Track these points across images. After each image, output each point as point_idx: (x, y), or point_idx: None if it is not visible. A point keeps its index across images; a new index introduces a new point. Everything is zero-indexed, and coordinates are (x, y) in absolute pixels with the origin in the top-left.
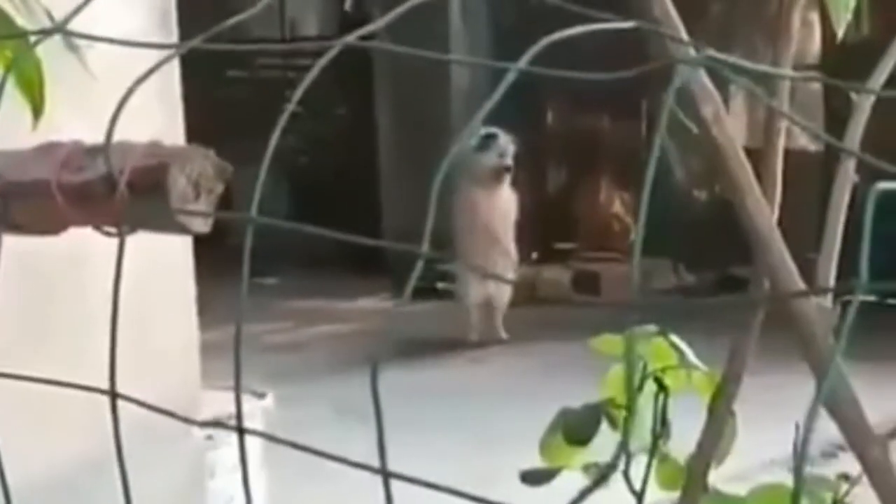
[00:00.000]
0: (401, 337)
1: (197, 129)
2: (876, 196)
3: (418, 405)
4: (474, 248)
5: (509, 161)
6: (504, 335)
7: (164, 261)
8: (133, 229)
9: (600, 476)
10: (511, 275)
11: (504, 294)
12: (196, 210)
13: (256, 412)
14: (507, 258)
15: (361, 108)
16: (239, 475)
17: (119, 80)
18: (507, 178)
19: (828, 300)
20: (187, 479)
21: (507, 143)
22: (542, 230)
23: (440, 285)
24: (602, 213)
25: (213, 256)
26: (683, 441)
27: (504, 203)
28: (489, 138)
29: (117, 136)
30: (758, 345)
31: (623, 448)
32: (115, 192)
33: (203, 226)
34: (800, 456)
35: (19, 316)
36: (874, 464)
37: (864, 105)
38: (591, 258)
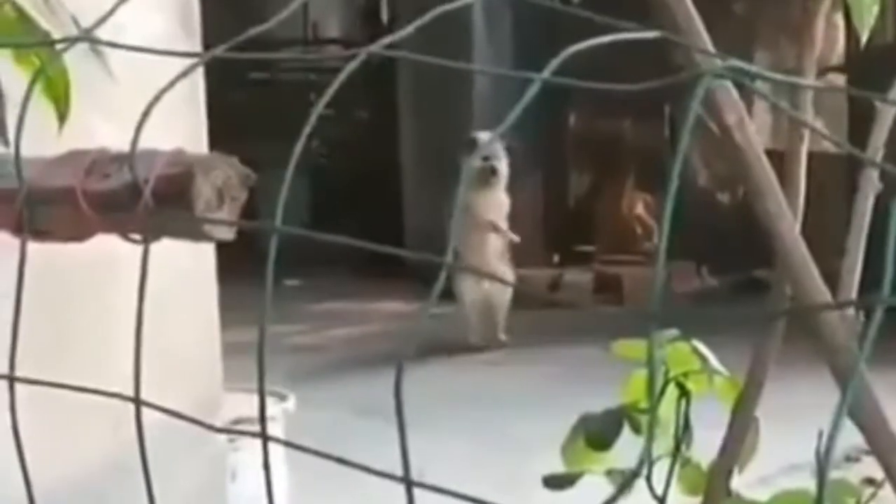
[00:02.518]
0: (419, 339)
1: (219, 132)
2: None
3: (435, 408)
4: (468, 249)
5: (495, 162)
6: (504, 338)
7: (186, 265)
8: (157, 237)
9: (624, 484)
10: (509, 276)
11: (502, 295)
12: (220, 218)
13: (278, 414)
14: (502, 260)
15: (384, 112)
16: (260, 477)
17: (145, 85)
18: (497, 180)
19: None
20: (209, 481)
21: (495, 147)
22: (564, 233)
23: None
24: (624, 215)
25: (237, 257)
26: (706, 446)
27: (496, 205)
28: (472, 140)
29: (144, 143)
30: (780, 348)
31: (646, 456)
32: (140, 200)
33: (227, 233)
34: (824, 465)
35: (43, 322)
36: None
37: (886, 111)
38: (612, 261)
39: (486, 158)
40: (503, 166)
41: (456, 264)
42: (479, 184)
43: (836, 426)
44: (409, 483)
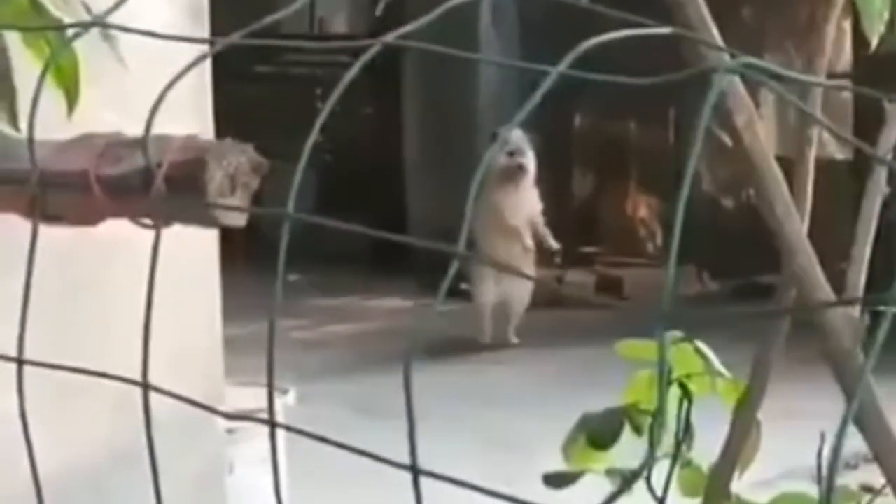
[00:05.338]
0: (421, 337)
1: (225, 125)
2: None
3: (438, 406)
4: (492, 248)
5: (522, 159)
6: (514, 339)
7: (188, 256)
8: (168, 222)
9: (625, 483)
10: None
11: (522, 296)
12: (232, 204)
13: (278, 409)
14: (525, 259)
15: (389, 108)
16: (257, 470)
17: (154, 75)
18: (525, 177)
19: (856, 310)
20: (208, 474)
21: (521, 141)
22: (567, 234)
23: (463, 286)
24: (628, 217)
25: (238, 250)
26: (708, 448)
27: (522, 202)
28: (496, 135)
29: (151, 132)
30: (783, 351)
31: (651, 457)
32: (152, 185)
33: (238, 220)
34: (830, 473)
35: (48, 308)
36: None
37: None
38: (615, 263)
39: (511, 154)
40: (530, 162)
41: (468, 255)
42: (505, 182)
43: (841, 433)
44: (416, 472)
